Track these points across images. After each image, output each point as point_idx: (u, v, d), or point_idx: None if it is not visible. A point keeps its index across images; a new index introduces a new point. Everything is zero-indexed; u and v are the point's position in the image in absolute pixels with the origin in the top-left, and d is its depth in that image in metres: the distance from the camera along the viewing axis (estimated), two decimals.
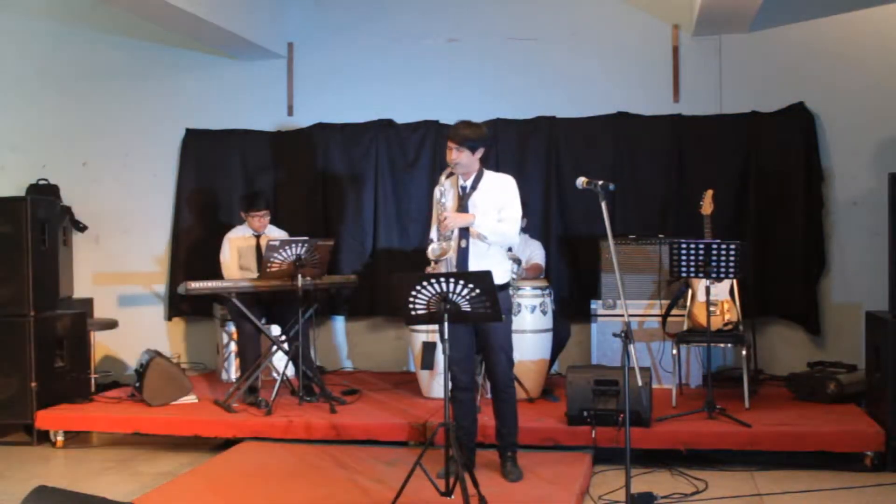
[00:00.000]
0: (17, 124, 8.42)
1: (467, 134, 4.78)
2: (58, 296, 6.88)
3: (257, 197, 6.93)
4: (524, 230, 6.90)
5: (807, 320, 7.12)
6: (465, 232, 4.79)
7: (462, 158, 4.78)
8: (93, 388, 6.96)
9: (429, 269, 4.77)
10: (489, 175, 4.92)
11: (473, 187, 4.86)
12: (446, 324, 4.35)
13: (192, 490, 4.84)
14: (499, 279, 4.68)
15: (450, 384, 4.57)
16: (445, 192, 4.87)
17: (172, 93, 8.18)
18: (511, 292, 6.15)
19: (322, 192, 7.84)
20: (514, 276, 6.20)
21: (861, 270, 7.01)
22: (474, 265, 4.74)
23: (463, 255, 4.80)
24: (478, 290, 4.30)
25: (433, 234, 4.91)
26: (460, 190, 4.84)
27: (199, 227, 7.95)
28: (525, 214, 6.84)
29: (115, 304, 8.15)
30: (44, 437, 6.18)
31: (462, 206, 4.83)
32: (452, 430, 4.35)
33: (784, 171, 7.14)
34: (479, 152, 4.83)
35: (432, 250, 4.73)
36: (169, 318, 8.11)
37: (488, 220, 4.78)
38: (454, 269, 4.73)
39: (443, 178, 4.86)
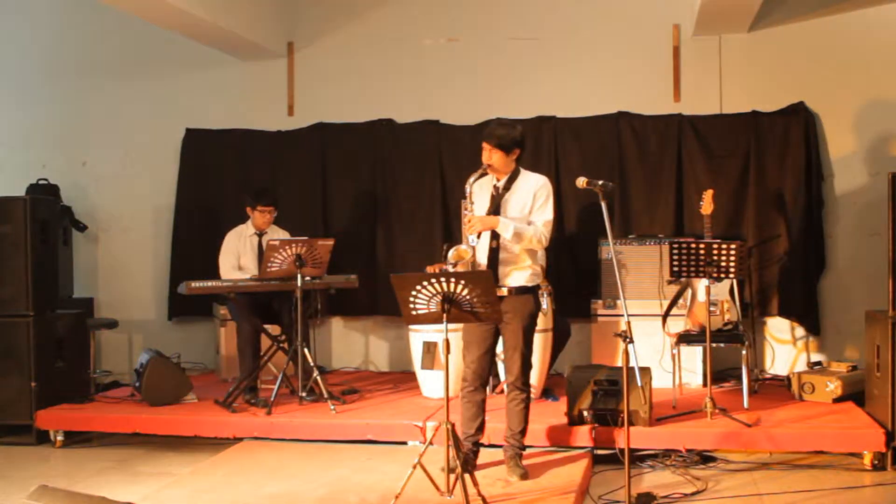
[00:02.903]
0: (18, 124, 8.43)
1: (501, 134, 4.76)
2: (58, 296, 6.88)
3: (266, 191, 6.92)
4: None
5: (807, 320, 7.12)
6: (495, 233, 4.76)
7: (494, 159, 4.77)
8: (93, 388, 6.96)
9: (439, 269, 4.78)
10: (525, 175, 4.88)
11: (507, 188, 4.83)
12: (445, 323, 4.35)
13: (192, 490, 4.84)
14: (527, 282, 4.76)
15: (451, 384, 4.57)
16: (477, 192, 4.85)
17: (172, 93, 8.18)
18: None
19: (322, 192, 7.84)
20: None
21: (861, 270, 7.02)
22: (504, 267, 4.75)
23: (493, 255, 4.78)
24: (478, 290, 4.30)
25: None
26: (494, 190, 4.81)
27: (200, 227, 7.94)
28: None
29: (115, 304, 8.15)
30: (44, 437, 6.17)
31: (494, 207, 4.80)
32: (452, 430, 4.36)
33: (784, 171, 7.14)
34: (514, 153, 4.81)
35: (453, 251, 4.68)
36: (169, 318, 8.10)
37: (513, 224, 4.73)
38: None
39: (472, 177, 4.82)
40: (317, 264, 6.35)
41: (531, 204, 4.82)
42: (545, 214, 4.84)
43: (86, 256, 8.22)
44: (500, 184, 4.83)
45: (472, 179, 4.81)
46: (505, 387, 5.06)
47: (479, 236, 4.75)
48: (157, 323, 8.14)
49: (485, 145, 4.79)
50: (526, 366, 4.85)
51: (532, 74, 7.61)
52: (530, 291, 4.82)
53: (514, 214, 4.79)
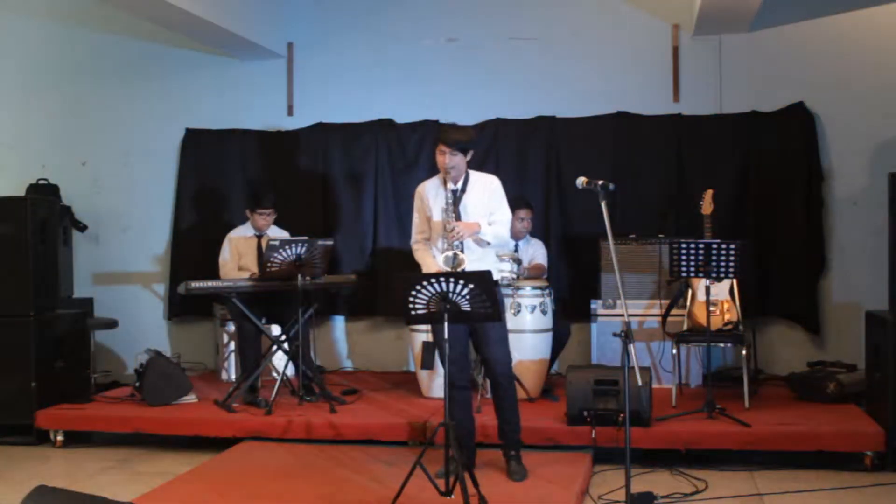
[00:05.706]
0: (18, 124, 8.43)
1: (459, 138, 4.81)
2: (58, 296, 6.88)
3: (265, 196, 6.91)
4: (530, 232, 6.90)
5: (807, 320, 7.13)
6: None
7: (456, 162, 4.81)
8: (93, 388, 6.96)
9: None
10: (475, 175, 4.97)
11: (463, 190, 4.88)
12: (446, 324, 4.35)
13: (192, 490, 4.84)
14: (496, 276, 4.75)
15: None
16: (432, 196, 4.93)
17: (172, 93, 8.18)
18: (511, 292, 6.17)
19: (322, 192, 7.84)
20: (515, 276, 6.19)
21: (861, 270, 7.02)
22: (471, 267, 4.75)
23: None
24: (478, 290, 4.30)
25: (415, 236, 5.04)
26: (450, 193, 4.83)
27: (199, 227, 7.95)
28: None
29: (115, 304, 8.14)
30: (44, 437, 6.18)
31: (455, 210, 4.83)
32: (452, 430, 4.35)
33: (784, 171, 7.14)
34: (469, 155, 4.88)
35: (446, 259, 4.68)
36: (169, 318, 8.11)
37: (490, 229, 4.85)
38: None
39: (428, 183, 4.97)
40: (317, 264, 6.35)
41: (492, 205, 4.91)
42: (506, 213, 4.97)
43: (86, 256, 8.22)
44: (458, 186, 4.86)
45: (427, 183, 4.97)
46: (490, 384, 5.05)
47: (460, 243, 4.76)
48: (156, 323, 8.14)
49: (444, 149, 4.79)
50: (507, 358, 4.88)
51: (532, 74, 7.62)
52: (497, 285, 4.84)
53: (476, 214, 4.85)
